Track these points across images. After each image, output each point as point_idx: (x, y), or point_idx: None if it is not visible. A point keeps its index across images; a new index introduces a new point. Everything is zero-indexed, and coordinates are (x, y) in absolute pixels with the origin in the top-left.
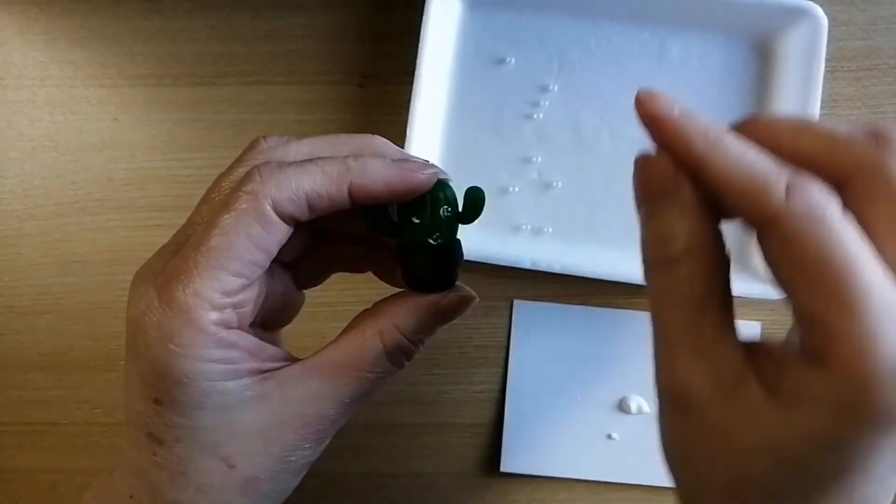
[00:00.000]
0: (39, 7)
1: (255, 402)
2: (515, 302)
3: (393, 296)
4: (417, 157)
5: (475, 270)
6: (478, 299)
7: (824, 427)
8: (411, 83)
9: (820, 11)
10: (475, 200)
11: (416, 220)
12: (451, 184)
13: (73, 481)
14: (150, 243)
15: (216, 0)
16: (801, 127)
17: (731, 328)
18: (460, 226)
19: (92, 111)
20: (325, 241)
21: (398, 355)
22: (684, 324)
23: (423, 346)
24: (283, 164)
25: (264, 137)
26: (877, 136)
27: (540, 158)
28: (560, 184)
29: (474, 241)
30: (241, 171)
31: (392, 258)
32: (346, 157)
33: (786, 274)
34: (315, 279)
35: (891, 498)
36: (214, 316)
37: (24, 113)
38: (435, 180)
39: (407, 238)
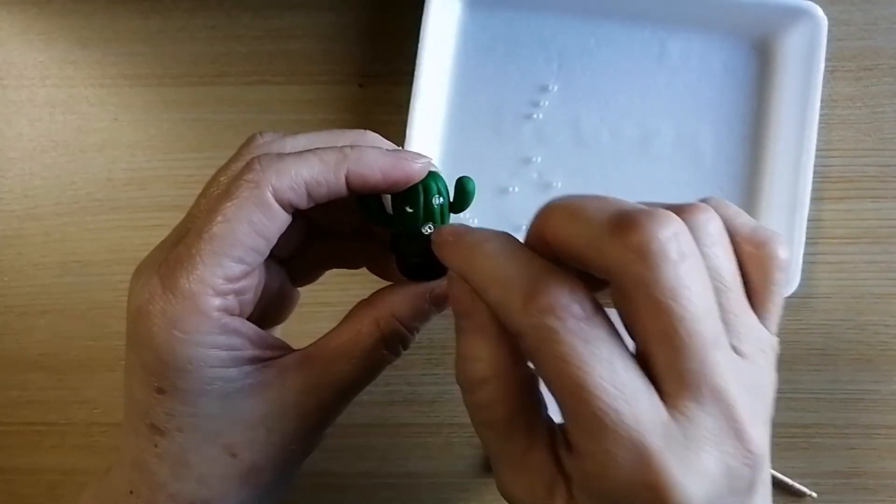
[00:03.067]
0: (39, 7)
1: (256, 390)
2: None
3: (389, 286)
4: (409, 151)
5: None
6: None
7: None
8: (411, 83)
9: (820, 11)
10: (465, 190)
11: (410, 210)
12: (441, 175)
13: (73, 481)
14: (150, 243)
15: (216, 0)
16: (568, 216)
17: (540, 439)
18: (452, 216)
19: (92, 111)
20: (320, 237)
21: (394, 342)
22: (495, 444)
23: (417, 334)
24: (282, 154)
25: (260, 133)
26: (622, 235)
27: (540, 158)
28: (560, 184)
29: None
30: (238, 165)
31: (385, 253)
32: (343, 146)
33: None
34: (310, 276)
35: None
36: (218, 301)
37: (24, 113)
38: (428, 169)
39: (400, 228)
